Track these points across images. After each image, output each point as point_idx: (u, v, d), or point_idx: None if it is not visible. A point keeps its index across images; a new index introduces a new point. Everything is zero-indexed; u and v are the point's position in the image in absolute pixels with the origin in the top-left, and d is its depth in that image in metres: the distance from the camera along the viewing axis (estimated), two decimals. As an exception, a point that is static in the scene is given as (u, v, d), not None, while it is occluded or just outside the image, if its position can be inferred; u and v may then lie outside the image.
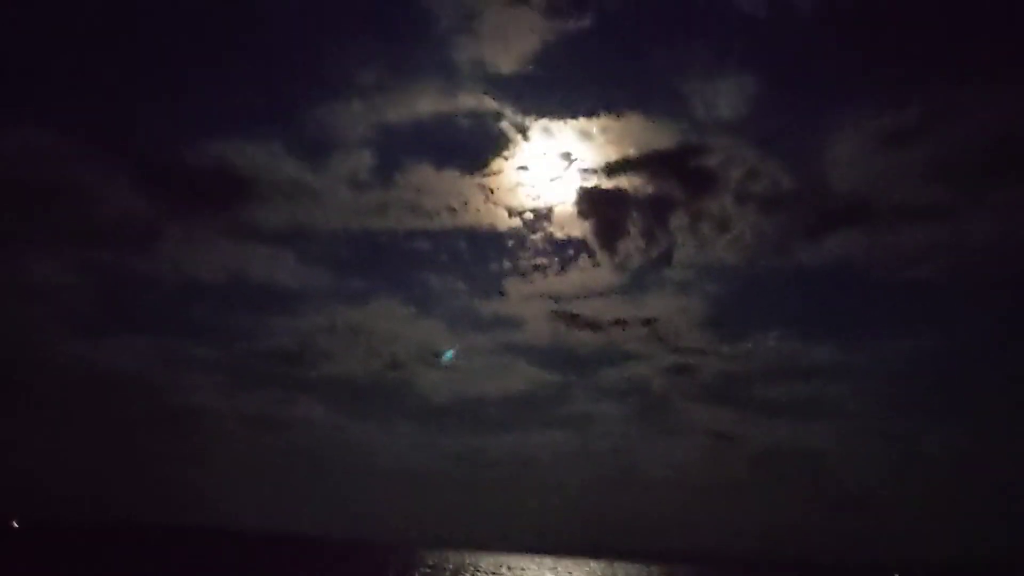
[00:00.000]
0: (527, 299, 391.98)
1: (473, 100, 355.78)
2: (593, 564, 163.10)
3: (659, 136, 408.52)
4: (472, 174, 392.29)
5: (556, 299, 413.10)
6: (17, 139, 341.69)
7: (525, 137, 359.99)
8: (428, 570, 76.83)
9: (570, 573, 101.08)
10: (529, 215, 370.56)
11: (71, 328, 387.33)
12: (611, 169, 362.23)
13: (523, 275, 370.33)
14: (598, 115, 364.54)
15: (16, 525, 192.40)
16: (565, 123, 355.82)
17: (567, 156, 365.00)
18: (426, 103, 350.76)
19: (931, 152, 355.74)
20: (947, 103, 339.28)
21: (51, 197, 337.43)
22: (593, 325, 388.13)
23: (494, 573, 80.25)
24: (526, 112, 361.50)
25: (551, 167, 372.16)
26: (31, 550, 75.46)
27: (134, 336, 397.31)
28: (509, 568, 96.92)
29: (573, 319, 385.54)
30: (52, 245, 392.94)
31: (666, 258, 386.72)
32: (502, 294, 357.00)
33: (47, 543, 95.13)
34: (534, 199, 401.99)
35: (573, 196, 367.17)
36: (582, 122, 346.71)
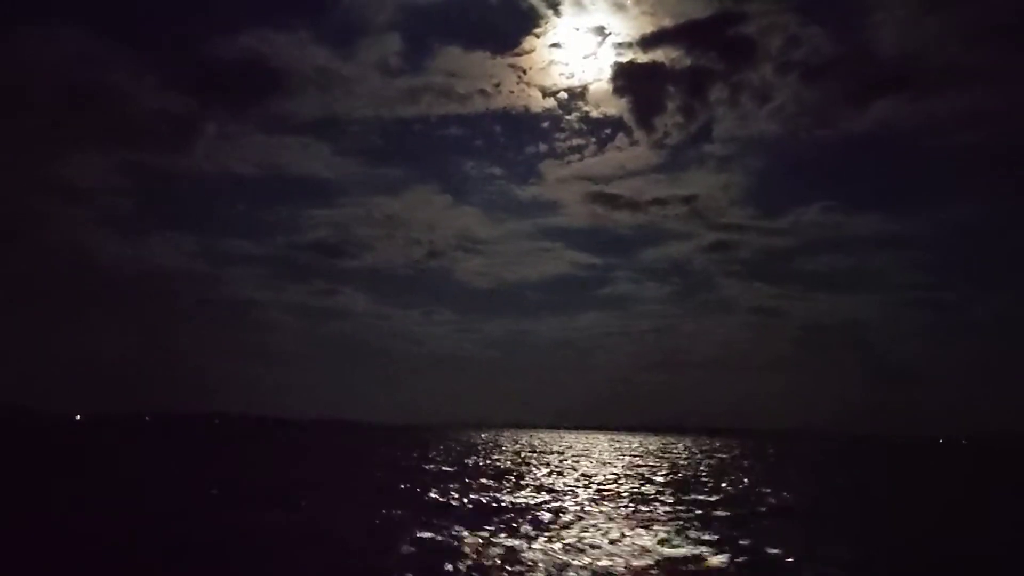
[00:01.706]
0: (564, 181, 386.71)
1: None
2: (643, 438, 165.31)
3: (695, 5, 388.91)
4: (503, 54, 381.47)
5: (594, 180, 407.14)
6: (48, 41, 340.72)
7: (556, 12, 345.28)
8: (482, 446, 77.12)
9: (617, 444, 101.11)
10: (563, 95, 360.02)
11: (114, 228, 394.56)
12: (646, 42, 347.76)
13: (559, 157, 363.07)
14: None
15: (79, 418, 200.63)
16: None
17: (600, 31, 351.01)
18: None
19: (977, 12, 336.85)
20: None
21: (86, 98, 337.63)
22: (632, 205, 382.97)
23: (554, 452, 79.70)
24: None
25: (584, 43, 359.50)
26: (94, 441, 76.48)
27: (176, 233, 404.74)
28: (565, 443, 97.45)
29: (612, 200, 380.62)
30: (89, 147, 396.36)
31: (705, 133, 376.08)
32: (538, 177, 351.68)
33: (107, 434, 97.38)
34: (568, 78, 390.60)
35: (608, 73, 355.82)
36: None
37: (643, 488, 31.70)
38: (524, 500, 25.16)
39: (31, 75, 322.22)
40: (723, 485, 34.81)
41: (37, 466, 39.04)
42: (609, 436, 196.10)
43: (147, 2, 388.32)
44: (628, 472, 43.07)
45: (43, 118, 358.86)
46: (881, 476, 52.24)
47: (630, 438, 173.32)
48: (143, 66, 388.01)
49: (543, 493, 27.93)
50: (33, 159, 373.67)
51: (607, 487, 31.80)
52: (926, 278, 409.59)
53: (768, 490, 32.41)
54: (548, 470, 42.61)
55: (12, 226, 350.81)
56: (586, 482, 34.27)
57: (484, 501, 24.53)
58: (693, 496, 28.39)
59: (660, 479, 37.73)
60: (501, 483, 32.03)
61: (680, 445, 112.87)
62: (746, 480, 39.17)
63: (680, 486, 33.22)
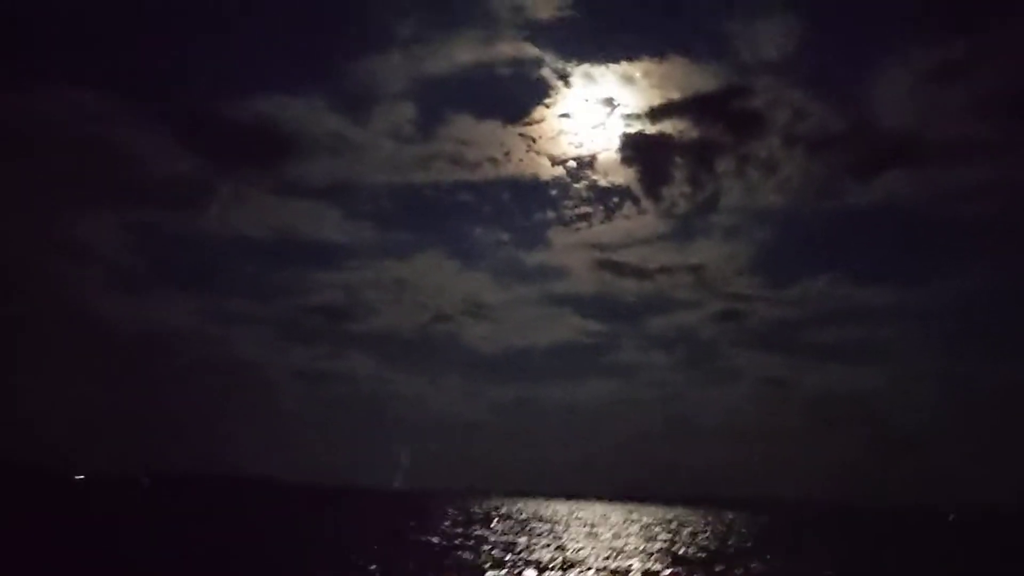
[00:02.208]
0: (572, 248, 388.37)
1: (512, 48, 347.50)
2: (650, 508, 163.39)
3: (703, 79, 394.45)
4: (513, 124, 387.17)
5: (601, 248, 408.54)
6: (61, 98, 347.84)
7: (566, 84, 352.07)
8: (483, 514, 76.77)
9: (628, 516, 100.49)
10: (572, 163, 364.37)
11: (119, 286, 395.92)
12: (654, 114, 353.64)
13: (567, 224, 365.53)
14: (640, 59, 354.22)
15: (80, 477, 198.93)
16: (607, 68, 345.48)
17: (609, 102, 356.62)
18: (465, 53, 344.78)
19: (980, 87, 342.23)
20: (995, 37, 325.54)
21: (96, 157, 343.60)
22: (639, 273, 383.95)
23: (556, 521, 79.26)
24: (567, 58, 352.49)
25: (593, 114, 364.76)
26: (85, 502, 76.45)
27: (182, 294, 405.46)
28: (574, 514, 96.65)
29: (619, 267, 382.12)
30: (98, 205, 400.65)
31: (712, 203, 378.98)
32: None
33: (98, 495, 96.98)
34: (577, 147, 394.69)
35: (616, 143, 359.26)
36: (624, 66, 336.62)
37: None
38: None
39: (42, 134, 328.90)
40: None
41: (38, 526, 39.48)
42: (621, 508, 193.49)
43: (161, 63, 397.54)
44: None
45: (53, 177, 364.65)
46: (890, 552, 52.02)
47: (632, 511, 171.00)
48: (156, 126, 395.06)
49: None
50: (42, 217, 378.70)
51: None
52: (936, 349, 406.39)
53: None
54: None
55: (19, 281, 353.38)
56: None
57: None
58: None
59: None
60: None
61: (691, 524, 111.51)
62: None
63: None
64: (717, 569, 31.44)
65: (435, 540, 42.05)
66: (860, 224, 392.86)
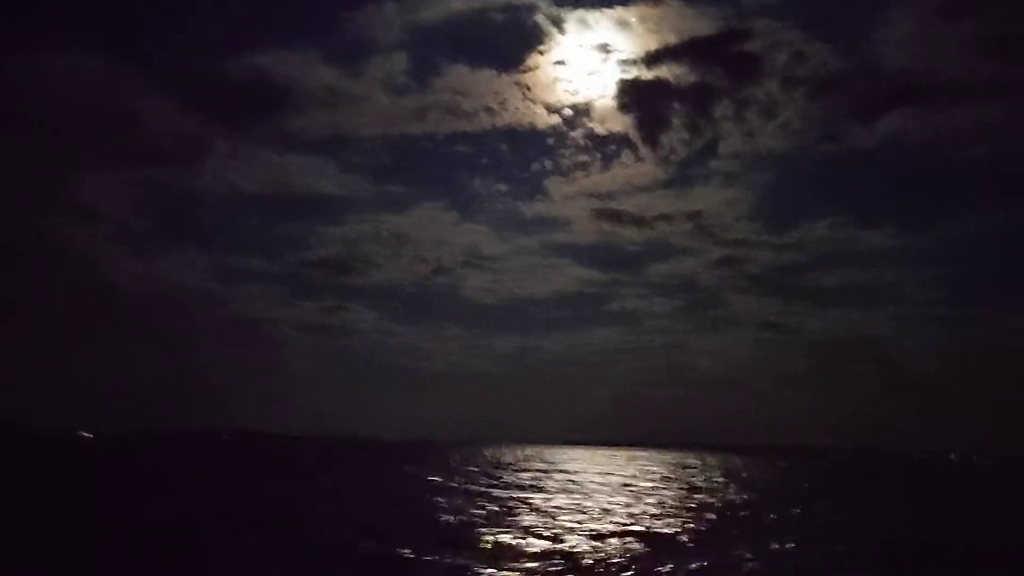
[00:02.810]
0: (570, 198, 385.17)
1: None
2: (653, 454, 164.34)
3: (700, 22, 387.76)
4: (508, 72, 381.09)
5: (600, 197, 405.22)
6: (60, 62, 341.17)
7: (561, 30, 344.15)
8: (492, 463, 76.40)
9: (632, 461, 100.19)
10: (568, 111, 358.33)
11: (127, 247, 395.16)
12: (651, 59, 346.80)
13: (565, 174, 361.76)
14: (635, 3, 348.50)
15: (87, 435, 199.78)
16: (601, 13, 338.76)
17: (605, 48, 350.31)
18: (458, 0, 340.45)
19: (988, 24, 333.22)
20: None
21: (94, 117, 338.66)
22: (638, 221, 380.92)
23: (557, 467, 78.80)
24: (561, 3, 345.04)
25: (589, 60, 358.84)
26: (103, 460, 75.95)
27: (188, 252, 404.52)
28: (582, 460, 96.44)
29: (618, 216, 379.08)
30: (102, 166, 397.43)
31: (711, 149, 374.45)
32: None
33: (116, 453, 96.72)
34: (572, 95, 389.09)
35: (612, 89, 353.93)
36: (619, 11, 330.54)
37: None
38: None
39: (44, 97, 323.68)
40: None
41: (45, 483, 38.44)
42: (625, 453, 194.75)
43: (156, 23, 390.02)
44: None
45: (56, 139, 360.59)
46: (895, 495, 51.25)
47: (643, 454, 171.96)
48: (154, 86, 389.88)
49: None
50: (46, 180, 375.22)
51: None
52: (942, 292, 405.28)
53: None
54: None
55: (26, 244, 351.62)
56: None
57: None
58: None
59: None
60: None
61: (699, 465, 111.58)
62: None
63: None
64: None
65: (446, 485, 41.07)
66: (862, 167, 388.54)
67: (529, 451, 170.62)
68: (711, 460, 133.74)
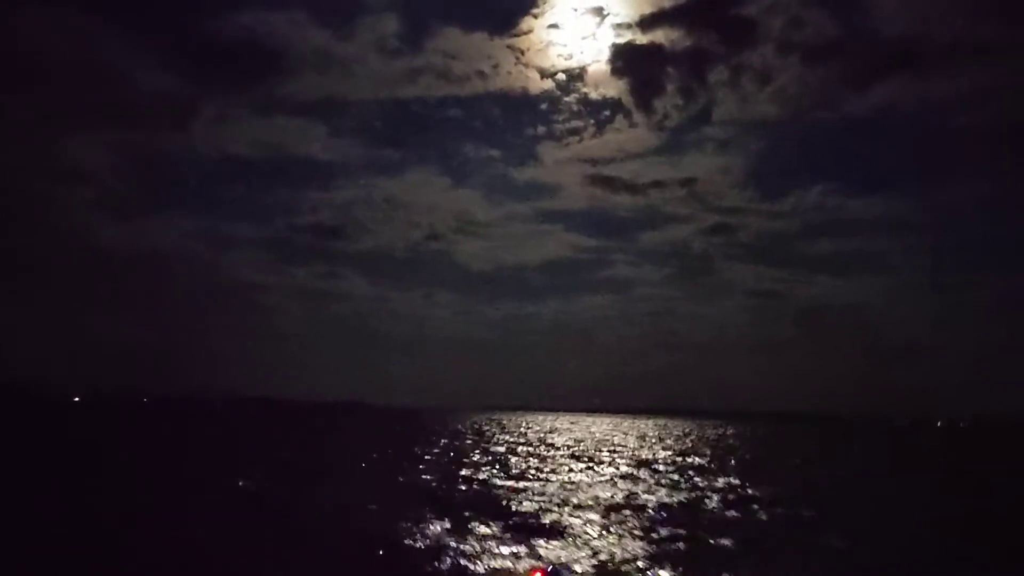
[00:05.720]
0: (563, 164, 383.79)
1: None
2: (646, 421, 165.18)
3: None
4: (501, 35, 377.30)
5: (592, 163, 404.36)
6: (47, 22, 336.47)
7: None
8: (481, 427, 76.50)
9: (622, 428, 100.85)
10: (562, 76, 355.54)
11: (114, 210, 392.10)
12: (645, 23, 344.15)
13: (558, 140, 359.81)
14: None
15: (77, 399, 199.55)
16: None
17: (599, 11, 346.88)
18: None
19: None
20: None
21: (83, 78, 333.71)
22: (631, 188, 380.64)
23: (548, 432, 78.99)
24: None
25: (583, 24, 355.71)
26: (92, 422, 75.68)
27: (174, 216, 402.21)
28: (568, 425, 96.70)
29: (610, 183, 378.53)
30: (87, 127, 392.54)
31: (705, 115, 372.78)
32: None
33: (105, 416, 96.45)
34: (566, 59, 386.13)
35: (606, 54, 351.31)
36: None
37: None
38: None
39: (30, 57, 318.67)
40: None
41: (37, 446, 38.10)
42: (611, 419, 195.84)
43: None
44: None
45: (41, 100, 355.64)
46: (882, 461, 51.50)
47: (634, 422, 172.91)
48: (140, 47, 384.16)
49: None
50: (32, 141, 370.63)
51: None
52: (929, 260, 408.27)
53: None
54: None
55: (13, 207, 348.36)
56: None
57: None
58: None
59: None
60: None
61: (694, 433, 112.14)
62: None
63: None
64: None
65: (438, 451, 41.01)
66: (855, 134, 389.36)
67: (520, 418, 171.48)
68: (706, 429, 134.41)
